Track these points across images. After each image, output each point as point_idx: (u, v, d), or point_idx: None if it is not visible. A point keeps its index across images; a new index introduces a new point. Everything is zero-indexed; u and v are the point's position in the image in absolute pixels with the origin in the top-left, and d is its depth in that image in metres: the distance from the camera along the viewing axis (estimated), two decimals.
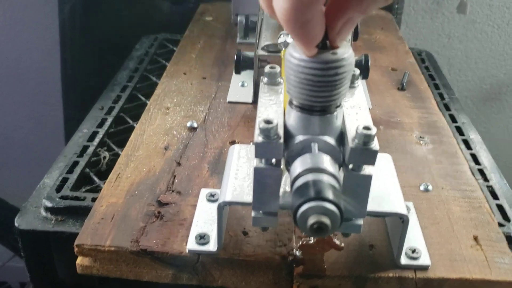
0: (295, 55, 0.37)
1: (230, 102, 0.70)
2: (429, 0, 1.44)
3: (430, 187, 0.55)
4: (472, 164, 0.65)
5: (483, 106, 1.62)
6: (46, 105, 1.32)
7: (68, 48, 1.09)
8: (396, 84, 0.75)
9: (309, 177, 0.36)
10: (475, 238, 0.48)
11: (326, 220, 0.34)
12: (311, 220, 0.34)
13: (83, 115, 0.74)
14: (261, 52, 0.67)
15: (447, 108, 0.77)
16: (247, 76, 0.73)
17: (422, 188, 0.55)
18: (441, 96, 0.80)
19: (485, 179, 0.62)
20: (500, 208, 0.58)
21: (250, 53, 0.68)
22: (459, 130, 0.72)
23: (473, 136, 0.71)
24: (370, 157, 0.38)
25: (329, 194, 0.35)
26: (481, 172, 0.64)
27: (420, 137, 0.63)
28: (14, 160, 1.47)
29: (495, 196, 0.60)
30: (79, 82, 1.10)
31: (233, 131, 0.64)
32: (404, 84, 0.73)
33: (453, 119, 0.74)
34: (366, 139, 0.37)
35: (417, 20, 1.46)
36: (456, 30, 1.49)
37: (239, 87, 0.74)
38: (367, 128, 0.37)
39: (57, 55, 1.12)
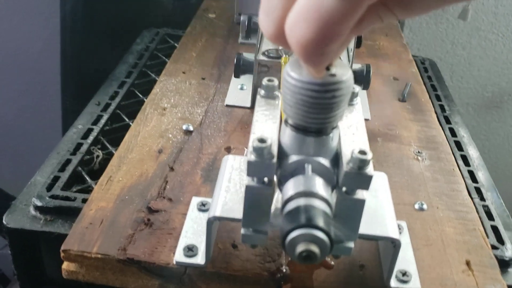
0: (292, 74, 0.35)
1: (228, 106, 0.69)
2: None
3: (425, 206, 0.54)
4: (469, 181, 0.64)
5: (484, 113, 1.61)
6: (45, 96, 1.31)
7: (69, 39, 1.07)
8: (397, 95, 0.74)
9: (301, 201, 0.36)
10: (467, 263, 0.48)
11: (315, 249, 0.33)
12: (300, 248, 0.33)
13: (82, 106, 0.73)
14: (261, 57, 0.66)
15: (447, 121, 0.76)
16: (247, 79, 0.72)
17: (416, 206, 0.54)
18: (442, 108, 0.80)
19: (482, 198, 0.62)
20: (495, 229, 0.57)
21: (250, 58, 0.67)
22: (458, 145, 0.71)
23: (472, 151, 0.71)
24: (364, 182, 0.37)
25: (320, 222, 0.34)
26: (478, 190, 0.63)
27: (418, 152, 0.62)
28: (12, 148, 1.46)
29: (490, 216, 0.59)
30: (79, 73, 1.09)
31: (229, 136, 0.63)
32: (405, 95, 0.73)
33: (452, 133, 0.73)
34: (361, 164, 0.36)
35: (421, 25, 1.45)
36: (460, 36, 1.48)
37: (238, 90, 0.73)
38: (362, 152, 0.36)
39: (57, 45, 1.10)
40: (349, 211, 0.39)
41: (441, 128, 0.68)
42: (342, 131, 0.41)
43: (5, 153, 1.46)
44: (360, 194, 0.38)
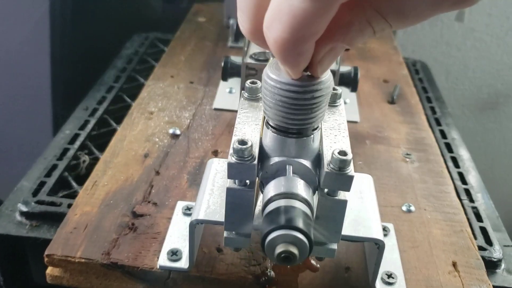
0: (272, 76, 0.35)
1: (216, 109, 0.69)
2: None
3: (412, 208, 0.53)
4: (459, 183, 0.64)
5: (480, 115, 1.61)
6: (35, 100, 1.31)
7: (58, 44, 1.07)
8: (387, 97, 0.73)
9: (281, 202, 0.35)
10: (454, 264, 0.47)
11: (294, 250, 0.33)
12: (279, 249, 0.33)
13: (71, 111, 0.73)
14: (249, 60, 0.66)
15: (438, 123, 0.76)
16: (235, 82, 0.71)
17: (404, 208, 0.53)
18: (432, 110, 0.79)
19: (471, 199, 0.61)
20: (484, 230, 0.57)
21: (238, 61, 0.67)
22: (449, 147, 0.71)
23: (463, 153, 0.70)
24: (345, 183, 0.36)
25: (300, 223, 0.33)
26: (467, 192, 0.63)
27: (407, 154, 0.62)
28: (3, 153, 1.46)
29: (479, 218, 0.59)
30: (68, 78, 1.09)
31: (217, 140, 0.63)
32: (395, 97, 0.72)
33: (443, 135, 0.73)
34: (341, 165, 0.36)
35: (416, 27, 1.45)
36: (454, 38, 1.48)
37: (227, 93, 0.73)
38: (343, 153, 0.36)
39: (47, 50, 1.10)
40: (331, 212, 0.38)
41: (430, 130, 0.68)
42: (324, 132, 0.40)
43: None
44: (342, 195, 0.38)
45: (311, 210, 0.36)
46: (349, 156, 0.36)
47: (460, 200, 0.60)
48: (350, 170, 0.36)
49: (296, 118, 0.36)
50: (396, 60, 0.85)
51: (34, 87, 1.27)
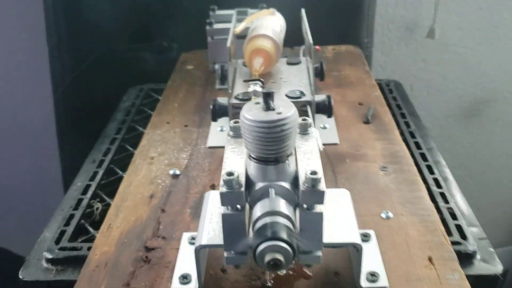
0: (247, 117, 0.43)
1: (210, 147, 0.77)
2: (401, 28, 1.51)
3: (390, 214, 0.60)
4: (435, 188, 0.71)
5: (465, 122, 1.68)
6: (44, 157, 1.40)
7: (62, 103, 1.16)
8: (362, 118, 0.81)
9: (267, 219, 0.43)
10: (430, 259, 0.54)
11: (280, 257, 0.40)
12: (268, 258, 0.40)
13: (79, 164, 0.81)
14: (234, 101, 0.73)
15: (412, 135, 0.84)
16: (225, 121, 0.79)
17: (383, 215, 0.60)
18: (407, 124, 0.87)
19: (446, 201, 0.68)
20: (459, 227, 0.63)
21: (225, 102, 0.74)
22: (424, 156, 0.78)
23: (439, 160, 0.78)
24: (319, 197, 0.44)
25: (283, 234, 0.41)
26: (443, 195, 0.69)
27: (383, 167, 0.69)
28: (17, 211, 1.54)
29: (454, 217, 0.65)
30: (73, 134, 1.18)
31: (213, 175, 0.70)
32: (369, 117, 0.80)
33: (418, 146, 0.81)
34: (313, 182, 0.43)
35: (392, 48, 1.53)
36: (430, 54, 1.56)
37: (219, 132, 0.80)
38: (314, 172, 0.43)
39: (51, 110, 1.20)
40: (311, 224, 0.45)
41: (403, 144, 0.75)
42: (299, 157, 0.48)
43: (10, 216, 1.53)
44: (318, 208, 0.45)
45: (293, 223, 0.43)
46: (319, 174, 0.43)
47: (436, 203, 0.67)
48: (322, 186, 0.43)
49: (271, 149, 0.44)
50: (369, 83, 0.93)
51: (42, 145, 1.36)
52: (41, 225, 0.69)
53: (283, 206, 0.44)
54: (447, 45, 1.55)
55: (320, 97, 0.73)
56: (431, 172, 0.74)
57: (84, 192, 0.74)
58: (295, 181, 0.46)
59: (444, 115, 1.66)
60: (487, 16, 1.51)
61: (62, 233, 0.66)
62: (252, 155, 0.46)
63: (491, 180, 1.78)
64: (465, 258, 0.59)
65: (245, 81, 0.75)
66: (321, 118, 0.76)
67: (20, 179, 1.51)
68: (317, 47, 1.03)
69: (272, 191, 0.45)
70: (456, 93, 1.63)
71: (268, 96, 0.44)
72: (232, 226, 0.46)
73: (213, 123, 0.82)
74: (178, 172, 0.70)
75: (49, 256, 0.62)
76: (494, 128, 1.68)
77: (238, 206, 0.45)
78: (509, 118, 1.67)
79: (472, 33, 1.54)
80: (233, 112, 0.74)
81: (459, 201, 0.70)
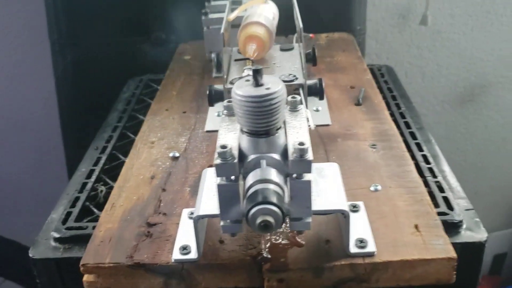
0: (238, 92, 0.47)
1: (208, 131, 0.80)
2: (394, 15, 1.54)
3: (379, 187, 0.64)
4: (423, 164, 0.74)
5: (460, 108, 1.71)
6: (48, 151, 1.44)
7: (64, 97, 1.20)
8: (354, 100, 0.84)
9: (258, 186, 0.46)
10: (416, 226, 0.57)
11: (270, 219, 0.43)
12: (259, 220, 0.43)
13: (82, 154, 0.84)
14: (229, 86, 0.77)
15: (403, 116, 0.87)
16: (222, 106, 0.82)
17: (372, 188, 0.64)
18: (398, 106, 0.90)
19: (434, 175, 0.71)
20: (446, 200, 0.66)
21: (221, 87, 0.78)
22: (413, 135, 0.81)
23: (430, 139, 0.81)
24: (306, 166, 0.47)
25: (273, 199, 0.44)
26: (431, 170, 0.73)
27: (373, 145, 0.72)
28: (24, 204, 1.58)
29: (442, 190, 0.69)
30: (76, 125, 1.21)
31: (211, 156, 0.73)
32: (360, 99, 0.83)
33: (408, 125, 0.84)
34: (301, 152, 0.46)
35: (386, 36, 1.56)
36: (424, 41, 1.59)
37: (216, 117, 0.83)
38: (301, 143, 0.47)
39: (54, 105, 1.23)
40: (300, 192, 0.48)
41: (393, 123, 0.78)
42: (289, 131, 0.51)
43: (18, 209, 1.57)
44: (307, 177, 0.48)
45: (283, 190, 0.47)
46: (307, 145, 0.47)
47: (425, 177, 0.70)
48: (309, 155, 0.47)
49: (261, 122, 0.47)
50: (361, 68, 0.96)
51: (46, 139, 1.40)
52: (47, 217, 0.72)
53: (273, 174, 0.47)
54: (440, 32, 1.58)
55: (312, 81, 0.76)
56: (420, 150, 0.77)
57: (88, 176, 0.77)
58: (284, 152, 0.49)
59: (439, 101, 1.69)
60: (479, 2, 1.53)
61: (69, 214, 0.69)
62: (244, 129, 0.49)
63: (488, 165, 1.81)
64: (452, 228, 0.62)
65: (236, 60, 0.78)
66: (314, 101, 0.79)
67: (25, 172, 1.55)
68: (310, 35, 1.06)
69: (263, 162, 0.48)
70: (450, 79, 1.66)
71: (257, 73, 0.47)
72: (227, 195, 0.49)
73: (210, 109, 0.86)
74: (177, 154, 0.74)
75: (57, 235, 0.65)
76: (489, 113, 1.71)
77: (232, 177, 0.49)
78: (503, 102, 1.70)
79: (465, 19, 1.56)
80: (228, 96, 0.77)
81: (447, 175, 0.73)
